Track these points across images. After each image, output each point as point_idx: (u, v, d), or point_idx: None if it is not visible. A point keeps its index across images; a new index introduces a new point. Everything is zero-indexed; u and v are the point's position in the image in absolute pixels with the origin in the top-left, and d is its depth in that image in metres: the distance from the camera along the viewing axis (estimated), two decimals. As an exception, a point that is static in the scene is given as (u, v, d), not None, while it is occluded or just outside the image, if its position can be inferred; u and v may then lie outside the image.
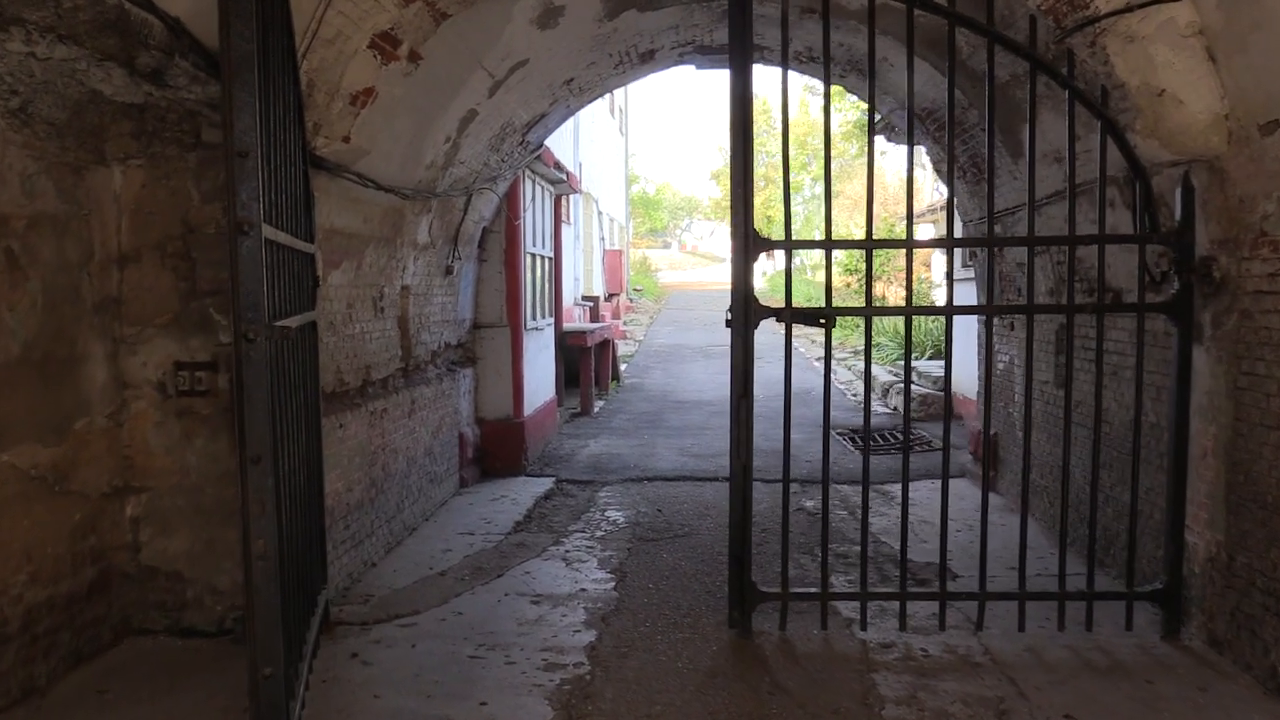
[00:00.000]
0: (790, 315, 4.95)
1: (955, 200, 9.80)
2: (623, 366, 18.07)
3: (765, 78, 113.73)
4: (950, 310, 5.08)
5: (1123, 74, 4.80)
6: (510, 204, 9.10)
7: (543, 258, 10.69)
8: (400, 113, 5.55)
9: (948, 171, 5.17)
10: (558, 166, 10.46)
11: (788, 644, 4.98)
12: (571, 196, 14.15)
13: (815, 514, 7.90)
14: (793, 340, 5.12)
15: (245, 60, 2.99)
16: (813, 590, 5.23)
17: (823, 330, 5.03)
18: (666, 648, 4.91)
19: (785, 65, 5.02)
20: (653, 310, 33.64)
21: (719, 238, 74.24)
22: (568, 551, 6.70)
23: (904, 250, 4.98)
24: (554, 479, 9.08)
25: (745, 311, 4.93)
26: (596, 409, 13.44)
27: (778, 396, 14.98)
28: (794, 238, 5.07)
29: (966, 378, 11.30)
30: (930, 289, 24.90)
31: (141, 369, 4.94)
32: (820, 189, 47.84)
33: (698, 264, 70.42)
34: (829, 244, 4.98)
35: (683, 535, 7.13)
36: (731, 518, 5.14)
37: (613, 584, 5.96)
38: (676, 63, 8.70)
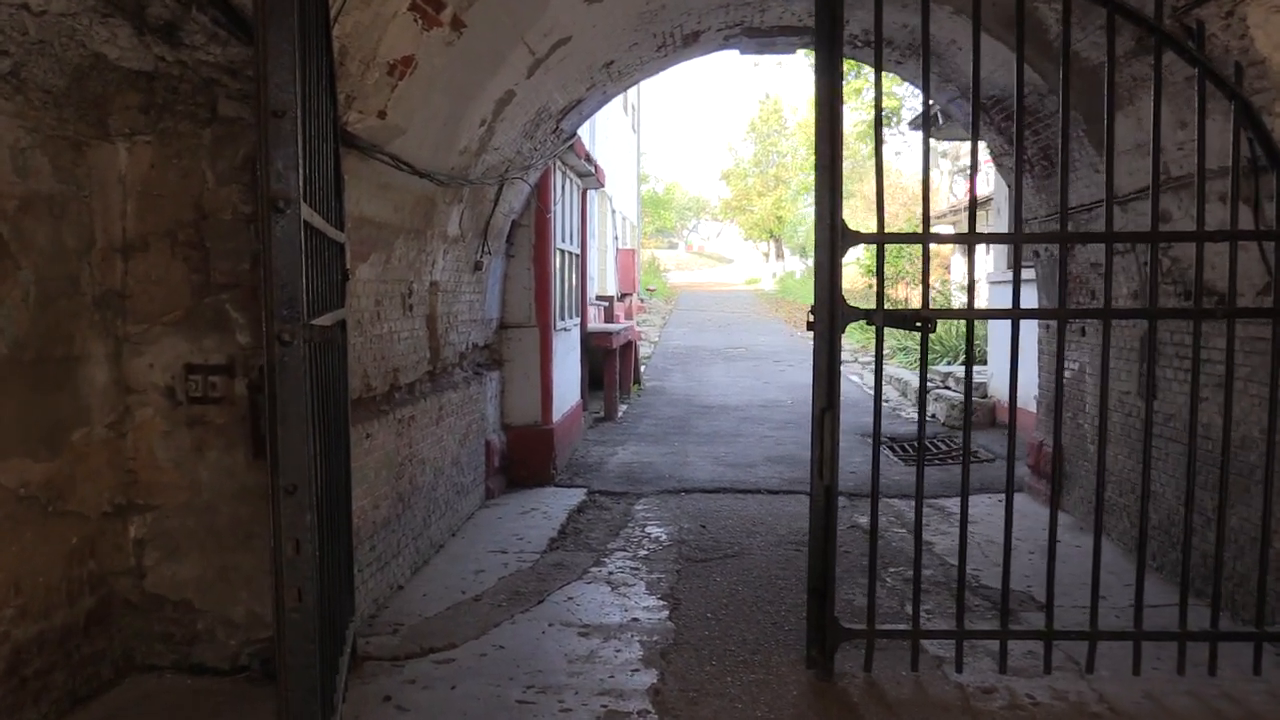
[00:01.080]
0: (883, 318, 4.38)
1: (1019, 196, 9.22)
2: (642, 369, 17.50)
3: (780, 72, 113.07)
4: (1064, 314, 4.50)
5: (1264, 48, 4.24)
6: (541, 196, 8.53)
7: (570, 254, 10.13)
8: (438, 88, 4.98)
9: (1062, 161, 4.57)
10: (587, 159, 9.90)
11: (876, 688, 4.41)
12: (588, 193, 13.58)
13: (869, 531, 7.31)
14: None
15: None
16: (902, 627, 4.66)
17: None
18: (740, 692, 4.34)
19: (879, 36, 4.43)
20: (664, 311, 33.08)
21: (726, 239, 73.73)
22: (611, 573, 6.13)
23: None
24: (585, 490, 8.51)
25: (832, 313, 4.35)
26: (620, 413, 12.87)
27: (808, 401, 14.38)
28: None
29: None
30: (955, 291, 24.32)
31: (148, 372, 4.38)
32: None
33: (705, 264, 69.92)
34: (926, 238, 4.41)
35: (733, 555, 6.55)
36: (811, 545, 4.57)
37: (666, 613, 5.39)
38: (720, 47, 8.14)
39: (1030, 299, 8.75)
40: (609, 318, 16.90)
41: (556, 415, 8.98)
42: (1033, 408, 10.27)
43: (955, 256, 26.52)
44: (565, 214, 9.76)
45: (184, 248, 4.34)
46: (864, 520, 7.62)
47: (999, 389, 11.81)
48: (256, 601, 4.42)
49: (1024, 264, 10.84)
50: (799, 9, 7.14)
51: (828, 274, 4.37)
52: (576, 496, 8.26)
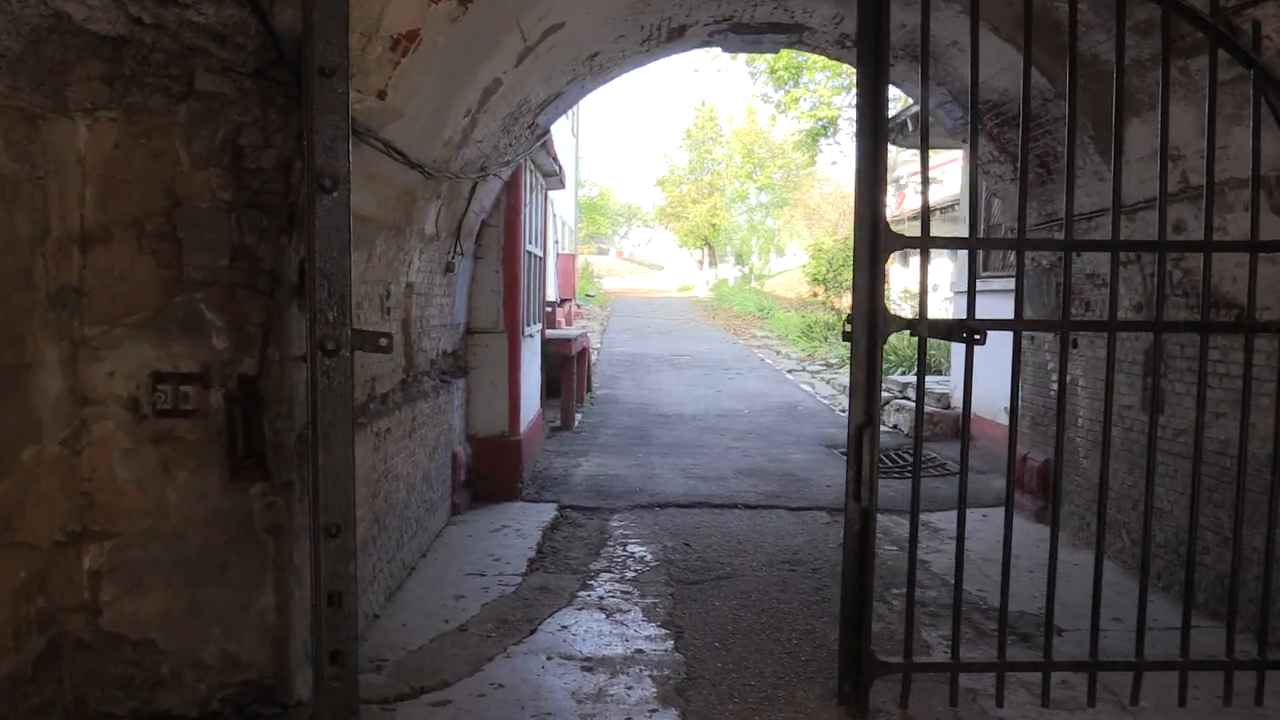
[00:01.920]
0: (926, 328, 4.08)
1: (998, 205, 9.06)
2: (592, 376, 17.08)
3: (717, 79, 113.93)
4: (1114, 326, 4.26)
5: (1323, 50, 4.07)
6: (512, 195, 8.08)
7: (535, 257, 9.68)
8: (435, 70, 4.54)
9: (1162, 168, 4.32)
10: (555, 158, 9.48)
11: (915, 727, 4.11)
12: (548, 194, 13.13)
13: (861, 549, 7.03)
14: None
15: (337, -67, 1.99)
16: (941, 660, 4.37)
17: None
18: (772, 735, 3.99)
19: (926, 38, 4.12)
20: (601, 317, 32.66)
21: (657, 245, 73.64)
22: (602, 598, 5.72)
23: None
24: (555, 505, 8.06)
25: (872, 322, 4.04)
26: (576, 422, 12.44)
27: (764, 410, 14.15)
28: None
29: (983, 396, 10.58)
30: (897, 300, 24.47)
31: (108, 381, 3.84)
32: (767, 198, 47.20)
33: (636, 271, 69.71)
34: (973, 243, 4.13)
35: (726, 577, 6.20)
36: (845, 572, 4.24)
37: (671, 643, 5.01)
38: (704, 43, 7.80)
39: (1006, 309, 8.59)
40: (551, 323, 16.46)
41: (523, 426, 8.53)
42: (1002, 420, 10.17)
43: (894, 267, 26.74)
44: (531, 215, 9.32)
45: (152, 239, 3.82)
46: (852, 537, 7.33)
47: (962, 401, 11.70)
48: (232, 641, 3.91)
49: (1006, 274, 10.69)
50: (794, 5, 6.85)
51: (868, 280, 4.06)
52: (548, 512, 7.82)
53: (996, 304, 8.68)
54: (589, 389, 15.21)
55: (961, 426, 4.25)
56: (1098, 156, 6.29)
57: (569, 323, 24.74)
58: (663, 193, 54.90)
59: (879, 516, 7.95)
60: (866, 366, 4.07)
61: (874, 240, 4.03)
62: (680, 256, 62.43)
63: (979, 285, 11.01)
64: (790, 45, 7.92)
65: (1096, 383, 7.07)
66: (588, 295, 35.91)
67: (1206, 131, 4.19)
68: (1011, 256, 9.44)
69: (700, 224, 50.97)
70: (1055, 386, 7.77)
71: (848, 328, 4.14)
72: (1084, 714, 4.24)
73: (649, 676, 4.55)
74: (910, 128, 10.92)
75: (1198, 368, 5.79)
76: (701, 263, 56.12)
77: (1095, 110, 5.89)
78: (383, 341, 2.19)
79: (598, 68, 7.33)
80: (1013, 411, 4.28)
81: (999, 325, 4.30)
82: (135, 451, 3.86)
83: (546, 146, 8.52)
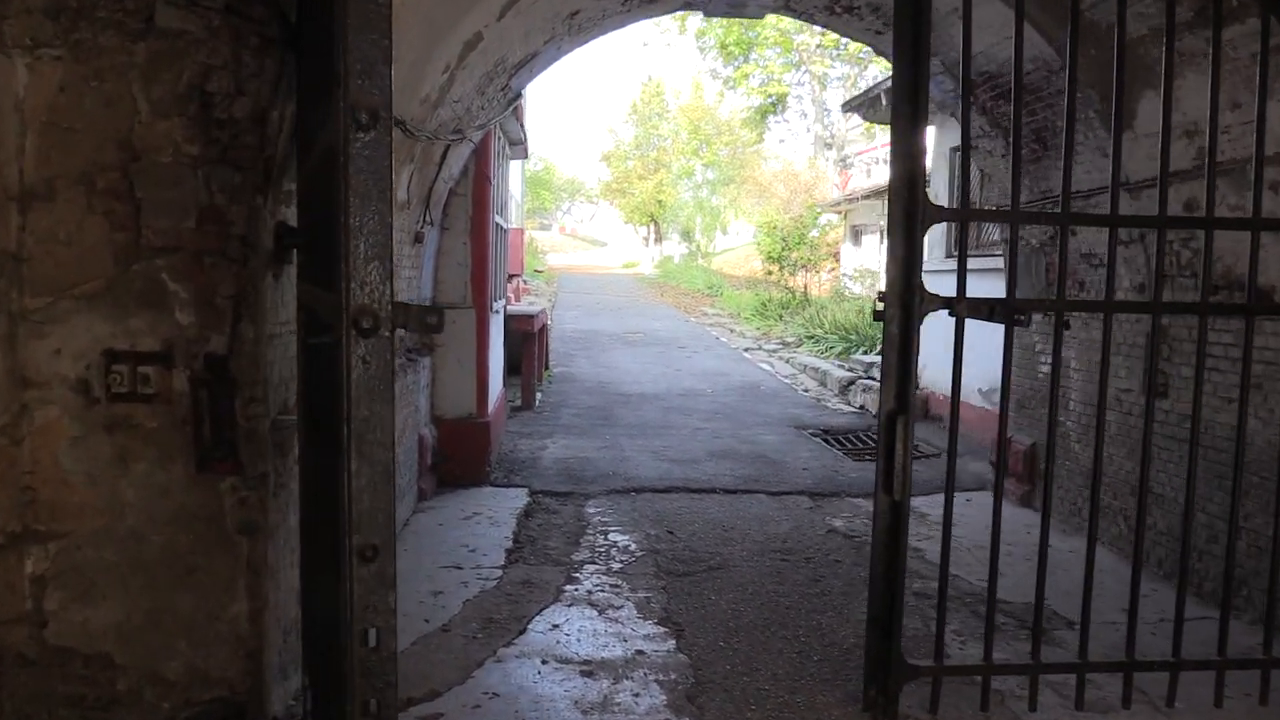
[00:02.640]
0: (965, 307, 3.78)
1: (990, 180, 8.83)
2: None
3: (666, 54, 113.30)
4: (1158, 308, 4.00)
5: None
6: (481, 162, 7.61)
7: (502, 229, 9.22)
8: (420, 16, 4.10)
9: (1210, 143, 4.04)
10: (523, 126, 9.00)
11: (948, 735, 3.84)
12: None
13: (851, 536, 6.78)
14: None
15: None
16: (972, 663, 4.10)
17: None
18: (799, 746, 3.69)
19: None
20: (549, 293, 32.06)
21: (600, 221, 73.10)
22: (590, 593, 5.37)
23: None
24: (527, 490, 7.67)
25: (907, 301, 3.72)
26: (537, 401, 12.02)
27: (726, 390, 13.86)
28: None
29: (946, 377, 10.39)
30: (847, 283, 24.40)
31: (53, 360, 3.35)
32: (713, 175, 46.82)
33: (580, 247, 69.10)
34: (1015, 216, 3.83)
35: (717, 568, 5.88)
36: (873, 569, 3.94)
37: (673, 643, 4.67)
38: (686, 5, 7.40)
39: (995, 289, 8.38)
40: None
41: (490, 406, 8.11)
42: (976, 401, 10.01)
43: (846, 246, 26.68)
44: (499, 184, 8.85)
45: (105, 198, 3.32)
46: (839, 524, 7.09)
47: (932, 380, 11.56)
48: (198, 653, 3.48)
49: (985, 253, 10.47)
50: (787, -35, 6.50)
51: (904, 256, 3.74)
52: (519, 498, 7.43)
53: (976, 283, 8.40)
54: (546, 367, 14.79)
55: (1000, 412, 3.97)
56: (1103, 131, 6.06)
57: (518, 299, 24.23)
58: (608, 168, 54.29)
59: (860, 501, 7.78)
60: (900, 348, 3.77)
61: (911, 213, 3.70)
62: (624, 233, 61.94)
63: (949, 266, 10.76)
64: (776, 10, 7.56)
65: (1091, 365, 6.89)
66: (536, 271, 35.33)
67: (1258, 102, 3.93)
68: (991, 233, 9.27)
69: (646, 200, 50.51)
70: (1044, 369, 7.60)
71: (879, 306, 3.82)
72: (1118, 716, 4.02)
73: (655, 681, 4.22)
74: (884, 101, 10.65)
75: (1197, 350, 5.68)
76: (647, 240, 55.71)
77: (1101, 82, 5.65)
78: (431, 319, 1.78)
79: (576, 27, 6.89)
80: (1052, 397, 4.00)
81: (1041, 305, 4.01)
82: (85, 441, 3.38)
83: (517, 113, 8.06)
